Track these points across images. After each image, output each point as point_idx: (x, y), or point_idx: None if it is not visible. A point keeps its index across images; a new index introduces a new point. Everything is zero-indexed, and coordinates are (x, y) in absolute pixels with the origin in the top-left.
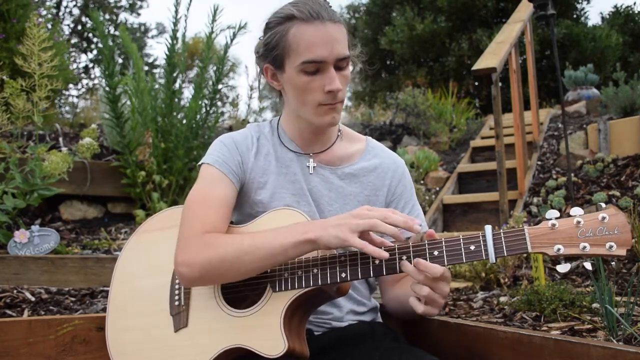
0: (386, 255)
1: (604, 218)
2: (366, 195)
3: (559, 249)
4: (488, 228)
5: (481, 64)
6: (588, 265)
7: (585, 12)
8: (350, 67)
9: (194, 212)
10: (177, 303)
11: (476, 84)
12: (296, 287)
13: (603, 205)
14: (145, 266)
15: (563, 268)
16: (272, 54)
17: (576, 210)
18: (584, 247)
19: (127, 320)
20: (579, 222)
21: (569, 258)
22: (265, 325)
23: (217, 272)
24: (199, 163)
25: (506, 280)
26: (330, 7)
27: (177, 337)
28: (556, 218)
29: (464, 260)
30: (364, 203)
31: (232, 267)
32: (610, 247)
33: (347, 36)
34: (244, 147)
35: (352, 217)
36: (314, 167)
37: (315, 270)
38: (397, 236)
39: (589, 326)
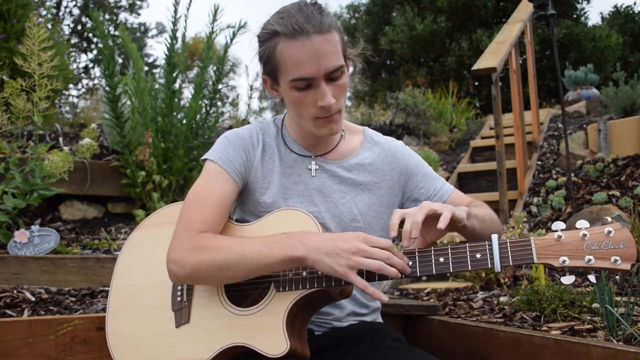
0: (386, 298)
1: (609, 232)
2: (375, 182)
3: (564, 261)
4: (495, 237)
5: (481, 64)
6: (592, 278)
7: (585, 12)
8: (352, 69)
9: (191, 210)
10: (179, 299)
11: (476, 84)
12: (300, 287)
13: (609, 219)
14: (148, 261)
15: (567, 280)
16: (266, 68)
17: (582, 223)
18: (589, 260)
19: (128, 314)
20: (584, 235)
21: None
22: (268, 324)
23: (205, 275)
24: (203, 158)
25: (506, 280)
26: (320, 12)
27: (178, 332)
28: (562, 230)
29: (470, 268)
30: (374, 190)
31: (219, 273)
32: (615, 260)
33: (339, 43)
34: (250, 144)
35: (352, 253)
36: (316, 169)
37: (319, 272)
38: (397, 277)
39: (589, 326)
